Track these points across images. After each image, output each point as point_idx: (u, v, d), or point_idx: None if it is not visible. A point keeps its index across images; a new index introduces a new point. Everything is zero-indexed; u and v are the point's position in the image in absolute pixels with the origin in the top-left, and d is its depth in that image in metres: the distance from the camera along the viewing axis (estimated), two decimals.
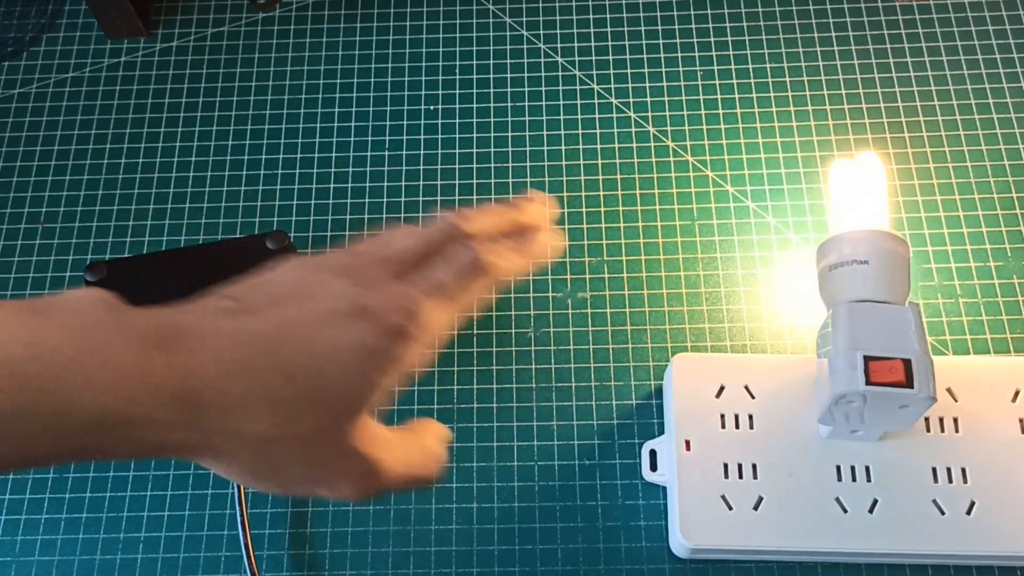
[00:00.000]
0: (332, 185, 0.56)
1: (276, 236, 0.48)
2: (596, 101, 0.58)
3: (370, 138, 0.58)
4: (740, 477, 0.45)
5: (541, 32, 0.61)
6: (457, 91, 0.59)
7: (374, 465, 0.31)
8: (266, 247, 0.48)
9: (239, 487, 0.46)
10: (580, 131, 0.57)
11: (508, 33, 0.61)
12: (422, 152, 0.57)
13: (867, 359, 0.40)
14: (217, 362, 0.28)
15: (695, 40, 0.60)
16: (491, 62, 0.60)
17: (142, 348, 0.27)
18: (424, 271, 0.33)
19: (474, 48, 0.61)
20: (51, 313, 0.27)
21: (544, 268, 0.53)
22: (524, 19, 0.61)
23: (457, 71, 0.60)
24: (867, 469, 0.45)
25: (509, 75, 0.59)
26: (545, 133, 0.57)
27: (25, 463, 0.27)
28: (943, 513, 0.44)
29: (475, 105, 0.59)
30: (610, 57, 0.60)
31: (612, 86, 0.59)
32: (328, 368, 0.29)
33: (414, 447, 0.33)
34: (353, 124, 0.58)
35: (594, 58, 0.60)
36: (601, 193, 0.55)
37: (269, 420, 0.28)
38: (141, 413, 0.26)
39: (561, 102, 0.58)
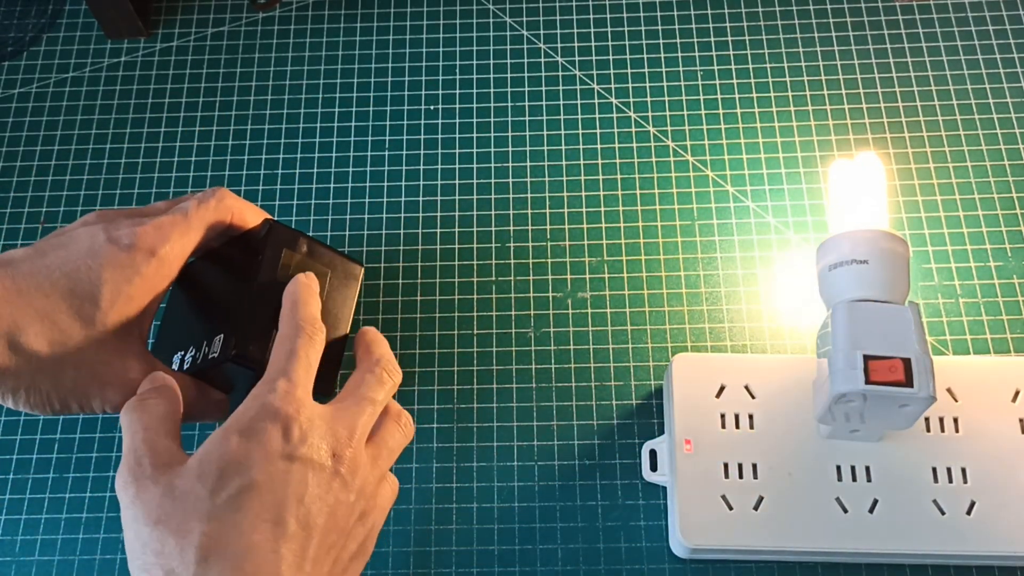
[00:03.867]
0: (332, 185, 0.56)
1: (262, 224, 0.43)
2: (596, 101, 0.58)
3: (370, 138, 0.58)
4: (740, 477, 0.45)
5: (541, 32, 0.61)
6: (457, 91, 0.59)
7: (138, 376, 0.37)
8: (254, 238, 0.42)
9: None
10: (580, 131, 0.57)
11: (508, 33, 0.61)
12: (422, 152, 0.57)
13: (867, 358, 0.40)
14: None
15: (695, 40, 0.60)
16: (491, 62, 0.60)
17: None
18: None
19: (474, 48, 0.61)
20: None
21: (544, 269, 0.53)
22: (524, 19, 0.61)
23: (457, 71, 0.60)
24: (867, 469, 0.45)
25: (509, 75, 0.59)
26: (545, 133, 0.57)
27: None
28: (943, 513, 0.44)
29: (475, 105, 0.59)
30: (610, 57, 0.60)
31: (612, 86, 0.59)
32: (82, 287, 0.36)
33: (189, 390, 0.40)
34: (353, 124, 0.58)
35: (594, 58, 0.60)
36: (601, 193, 0.55)
37: (45, 336, 0.35)
38: None
39: (561, 102, 0.58)
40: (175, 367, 0.42)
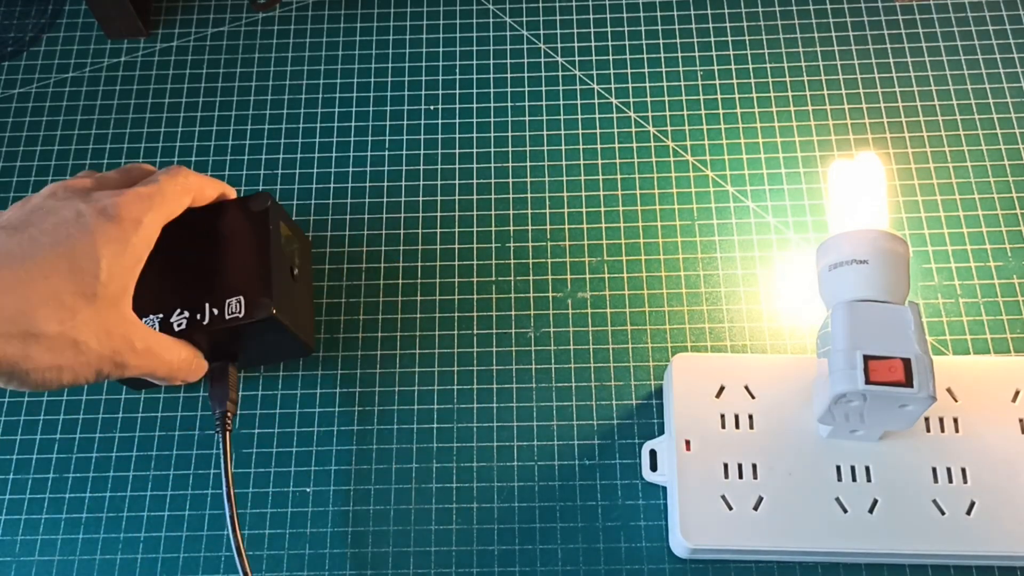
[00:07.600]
0: (332, 185, 0.56)
1: (260, 198, 0.47)
2: (596, 101, 0.58)
3: (370, 138, 0.58)
4: (740, 477, 0.45)
5: (541, 32, 0.61)
6: (457, 91, 0.59)
7: (138, 344, 0.40)
8: (248, 210, 0.47)
9: (229, 488, 0.45)
10: (580, 131, 0.57)
11: (508, 33, 0.61)
12: (422, 152, 0.57)
13: (867, 358, 0.40)
14: None
15: (695, 40, 0.60)
16: (491, 62, 0.60)
17: None
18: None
19: (474, 48, 0.61)
20: None
21: (544, 269, 0.53)
22: (524, 19, 0.61)
23: (457, 71, 0.60)
24: (867, 469, 0.45)
25: (509, 75, 0.59)
26: (545, 133, 0.57)
27: None
28: (943, 513, 0.44)
29: (475, 105, 0.59)
30: (610, 57, 0.60)
31: (612, 86, 0.59)
32: (80, 262, 0.37)
33: (182, 349, 0.43)
34: (353, 124, 0.58)
35: (594, 58, 0.60)
36: (601, 193, 0.55)
37: (55, 318, 0.36)
38: None
39: (561, 102, 0.58)
40: (155, 328, 0.45)
